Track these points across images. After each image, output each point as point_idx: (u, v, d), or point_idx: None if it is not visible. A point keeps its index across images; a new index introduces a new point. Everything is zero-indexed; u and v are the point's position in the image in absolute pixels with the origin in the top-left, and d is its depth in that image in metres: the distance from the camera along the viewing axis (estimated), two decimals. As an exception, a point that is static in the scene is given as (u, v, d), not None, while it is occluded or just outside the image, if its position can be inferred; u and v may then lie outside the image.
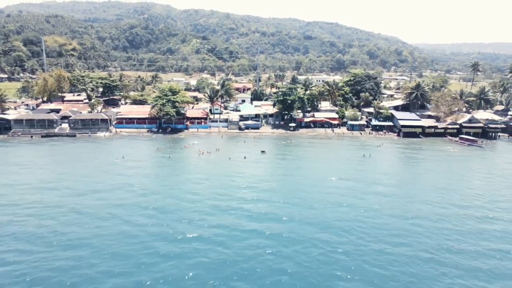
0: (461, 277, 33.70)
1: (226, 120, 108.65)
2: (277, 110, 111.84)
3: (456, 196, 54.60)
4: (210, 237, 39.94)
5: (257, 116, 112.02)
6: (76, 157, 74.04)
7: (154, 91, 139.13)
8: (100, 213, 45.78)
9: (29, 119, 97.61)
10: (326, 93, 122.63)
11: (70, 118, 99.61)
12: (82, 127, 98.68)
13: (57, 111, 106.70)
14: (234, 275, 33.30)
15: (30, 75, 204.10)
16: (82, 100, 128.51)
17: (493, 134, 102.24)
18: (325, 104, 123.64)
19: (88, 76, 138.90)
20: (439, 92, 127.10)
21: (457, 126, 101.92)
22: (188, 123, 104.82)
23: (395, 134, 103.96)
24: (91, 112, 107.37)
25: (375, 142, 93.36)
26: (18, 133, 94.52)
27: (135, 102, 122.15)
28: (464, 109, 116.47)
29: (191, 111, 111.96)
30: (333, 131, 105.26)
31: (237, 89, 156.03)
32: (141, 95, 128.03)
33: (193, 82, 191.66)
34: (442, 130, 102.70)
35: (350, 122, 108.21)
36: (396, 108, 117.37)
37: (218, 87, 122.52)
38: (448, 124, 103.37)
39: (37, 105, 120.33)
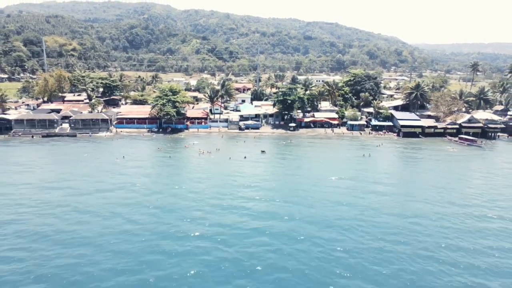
0: (460, 275, 33.98)
1: (226, 120, 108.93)
2: (277, 110, 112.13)
3: (456, 195, 54.90)
4: (211, 235, 40.23)
5: (257, 116, 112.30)
6: (77, 157, 74.32)
7: (154, 91, 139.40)
8: (102, 212, 46.08)
9: (30, 119, 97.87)
10: (326, 93, 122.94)
11: (71, 118, 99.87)
12: (82, 127, 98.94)
13: (58, 111, 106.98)
14: (236, 273, 33.60)
15: (31, 75, 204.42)
16: (82, 100, 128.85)
17: (493, 134, 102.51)
18: (325, 104, 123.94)
19: (88, 76, 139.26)
20: (439, 92, 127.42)
21: (457, 126, 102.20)
22: (188, 123, 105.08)
23: (395, 134, 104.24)
24: (91, 112, 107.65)
25: (374, 142, 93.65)
26: (19, 133, 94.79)
27: (136, 102, 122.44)
28: (463, 109, 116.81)
29: (191, 111, 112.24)
30: (333, 131, 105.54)
31: (237, 89, 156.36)
32: (142, 95, 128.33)
33: (193, 82, 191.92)
34: (442, 130, 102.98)
35: (350, 122, 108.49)
36: (395, 108, 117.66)
37: (218, 87, 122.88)
38: (447, 124, 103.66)
39: (38, 105, 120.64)
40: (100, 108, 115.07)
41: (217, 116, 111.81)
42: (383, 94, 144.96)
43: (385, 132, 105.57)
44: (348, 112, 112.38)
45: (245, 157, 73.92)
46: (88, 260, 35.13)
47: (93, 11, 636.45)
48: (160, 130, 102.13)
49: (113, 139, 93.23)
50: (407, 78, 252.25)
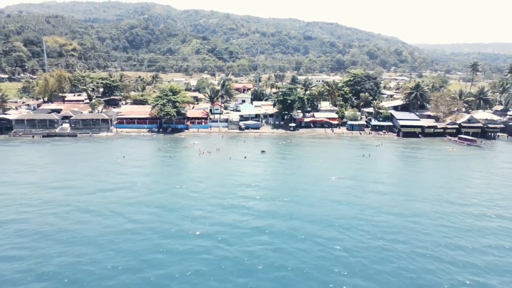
0: (459, 273, 34.20)
1: (226, 120, 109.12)
2: (277, 110, 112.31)
3: (455, 194, 55.11)
4: (212, 234, 40.47)
5: (257, 116, 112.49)
6: (78, 156, 74.54)
7: (154, 91, 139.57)
8: (103, 211, 46.30)
9: (30, 119, 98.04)
10: (326, 93, 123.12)
11: (71, 118, 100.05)
12: (83, 127, 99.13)
13: (58, 111, 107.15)
14: (236, 272, 33.82)
15: (31, 75, 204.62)
16: (83, 100, 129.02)
17: (492, 134, 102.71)
18: (325, 104, 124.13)
19: (88, 76, 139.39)
20: (439, 92, 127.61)
21: (456, 126, 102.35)
22: (188, 123, 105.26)
23: (395, 134, 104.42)
24: (92, 112, 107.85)
25: (374, 142, 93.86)
26: (19, 133, 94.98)
27: (136, 102, 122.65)
28: (463, 109, 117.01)
29: (191, 111, 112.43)
30: (333, 131, 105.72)
31: (237, 89, 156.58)
32: (142, 95, 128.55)
33: (193, 82, 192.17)
34: (442, 130, 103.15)
35: (349, 122, 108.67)
36: (395, 108, 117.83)
37: (218, 87, 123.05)
38: (447, 124, 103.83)
39: (38, 105, 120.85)
40: (100, 108, 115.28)
41: (217, 116, 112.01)
42: (383, 94, 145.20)
43: (385, 132, 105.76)
44: (348, 112, 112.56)
45: (245, 157, 74.11)
46: (90, 259, 35.34)
47: (93, 11, 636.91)
48: (161, 130, 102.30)
49: (114, 139, 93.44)
50: (407, 78, 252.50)
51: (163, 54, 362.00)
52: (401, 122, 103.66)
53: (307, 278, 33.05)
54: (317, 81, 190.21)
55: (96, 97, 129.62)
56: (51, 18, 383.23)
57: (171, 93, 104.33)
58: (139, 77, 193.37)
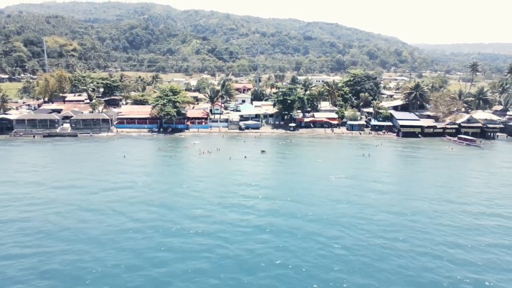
0: (457, 271, 34.48)
1: (226, 120, 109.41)
2: (277, 110, 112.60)
3: (454, 193, 55.40)
4: (213, 232, 40.79)
5: (257, 116, 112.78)
6: (79, 156, 74.82)
7: (154, 91, 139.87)
8: (104, 210, 46.61)
9: (31, 119, 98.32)
10: (326, 93, 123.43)
11: (72, 118, 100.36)
12: (83, 127, 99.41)
13: (59, 111, 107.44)
14: (237, 269, 34.11)
15: (31, 76, 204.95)
16: (83, 100, 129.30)
17: (492, 134, 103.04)
18: (324, 104, 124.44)
19: (89, 77, 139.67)
20: (438, 92, 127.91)
21: (456, 126, 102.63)
22: (188, 123, 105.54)
23: (394, 134, 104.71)
24: (92, 112, 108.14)
25: (374, 142, 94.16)
26: (20, 133, 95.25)
27: (136, 102, 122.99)
28: (463, 109, 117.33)
29: (191, 111, 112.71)
30: (332, 131, 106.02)
31: (237, 89, 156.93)
32: (142, 95, 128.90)
33: (193, 82, 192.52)
34: (441, 130, 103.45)
35: (349, 122, 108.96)
36: (395, 108, 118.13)
37: (219, 88, 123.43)
38: (447, 124, 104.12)
39: (39, 105, 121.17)
40: (100, 108, 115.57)
41: (217, 116, 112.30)
42: (383, 94, 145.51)
43: (384, 132, 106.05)
44: (348, 112, 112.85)
45: (245, 157, 74.38)
46: (92, 257, 35.64)
47: (93, 11, 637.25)
48: (161, 130, 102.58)
49: (114, 139, 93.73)
50: (406, 78, 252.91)
51: (163, 54, 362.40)
52: (401, 122, 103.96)
53: (307, 276, 33.33)
54: (317, 81, 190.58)
55: (97, 97, 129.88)
56: (51, 18, 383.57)
57: (171, 93, 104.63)
58: (139, 77, 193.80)
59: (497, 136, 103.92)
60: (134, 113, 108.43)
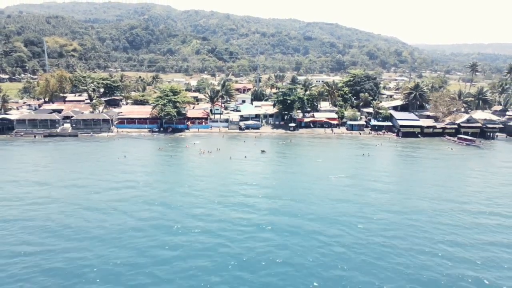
0: (456, 268, 34.77)
1: (226, 120, 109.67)
2: (277, 110, 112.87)
3: (454, 193, 55.68)
4: (214, 231, 41.10)
5: (257, 116, 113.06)
6: (80, 156, 75.09)
7: (155, 92, 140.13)
8: (106, 208, 46.90)
9: (31, 119, 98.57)
10: (326, 93, 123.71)
11: (72, 118, 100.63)
12: (84, 127, 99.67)
13: (59, 111, 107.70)
14: (239, 267, 34.40)
15: (31, 76, 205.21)
16: (83, 101, 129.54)
17: (491, 134, 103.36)
18: (324, 105, 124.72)
19: (89, 77, 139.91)
20: (438, 93, 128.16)
21: (456, 126, 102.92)
22: (189, 123, 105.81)
23: (394, 134, 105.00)
24: (92, 112, 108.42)
25: (374, 142, 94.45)
26: (20, 133, 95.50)
27: (136, 102, 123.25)
28: (462, 109, 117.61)
29: (192, 111, 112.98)
30: (332, 131, 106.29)
31: (238, 89, 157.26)
32: (142, 96, 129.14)
33: (193, 82, 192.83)
34: (441, 130, 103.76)
35: (349, 122, 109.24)
36: (395, 108, 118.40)
37: (219, 88, 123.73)
38: (446, 124, 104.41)
39: (39, 105, 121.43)
40: (101, 108, 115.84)
41: (217, 116, 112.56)
42: (383, 94, 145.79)
43: (384, 132, 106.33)
44: (348, 112, 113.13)
45: (245, 157, 74.65)
46: (94, 255, 35.92)
47: (93, 11, 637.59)
48: (161, 130, 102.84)
49: (114, 139, 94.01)
50: (406, 79, 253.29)
51: (163, 55, 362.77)
52: (401, 122, 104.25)
53: (308, 274, 33.62)
54: (317, 81, 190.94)
55: (97, 97, 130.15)
56: (51, 18, 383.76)
57: (172, 93, 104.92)
58: (140, 77, 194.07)
59: (497, 136, 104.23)
60: (134, 113, 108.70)
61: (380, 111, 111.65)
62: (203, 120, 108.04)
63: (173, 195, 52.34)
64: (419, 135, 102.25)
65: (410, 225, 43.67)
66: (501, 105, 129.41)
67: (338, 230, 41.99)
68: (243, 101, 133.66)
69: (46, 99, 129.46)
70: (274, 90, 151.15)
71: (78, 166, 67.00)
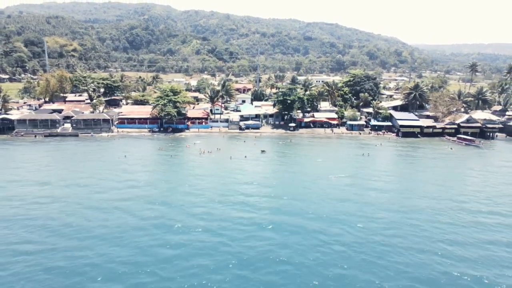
0: (456, 267, 34.95)
1: (226, 120, 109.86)
2: (277, 110, 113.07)
3: (453, 192, 55.89)
4: (215, 230, 41.32)
5: (257, 116, 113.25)
6: (80, 156, 75.30)
7: (155, 92, 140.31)
8: (108, 207, 47.12)
9: (32, 119, 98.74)
10: (326, 93, 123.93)
11: (73, 118, 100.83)
12: (84, 127, 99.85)
13: (60, 111, 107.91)
14: (239, 266, 34.59)
15: (31, 76, 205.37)
16: (84, 101, 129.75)
17: (491, 134, 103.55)
18: (324, 105, 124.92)
19: (89, 77, 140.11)
20: (438, 93, 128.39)
21: (455, 126, 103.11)
22: (189, 123, 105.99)
23: (394, 134, 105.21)
24: (93, 112, 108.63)
25: (374, 142, 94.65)
26: (21, 133, 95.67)
27: (137, 102, 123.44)
28: (462, 109, 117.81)
29: (192, 111, 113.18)
30: (332, 131, 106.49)
31: (238, 89, 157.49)
32: (142, 96, 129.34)
33: (193, 82, 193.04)
34: (440, 130, 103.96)
35: (349, 122, 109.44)
36: (395, 108, 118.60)
37: (219, 88, 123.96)
38: (446, 124, 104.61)
39: (40, 105, 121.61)
40: (101, 108, 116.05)
41: (217, 116, 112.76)
42: (383, 94, 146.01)
43: (384, 132, 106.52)
44: (348, 112, 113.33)
45: (245, 157, 74.84)
46: (96, 254, 36.12)
47: (93, 11, 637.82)
48: (161, 130, 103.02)
49: (115, 139, 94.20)
50: (406, 79, 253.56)
51: (163, 55, 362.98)
52: (400, 122, 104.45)
53: (308, 272, 33.81)
54: (317, 81, 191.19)
55: (97, 97, 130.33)
56: (51, 18, 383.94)
57: (172, 94, 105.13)
58: (140, 77, 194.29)
59: (496, 136, 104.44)
60: (134, 113, 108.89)
61: (380, 111, 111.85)
62: (203, 120, 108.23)
63: (174, 195, 52.54)
64: (419, 135, 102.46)
65: (410, 224, 43.89)
66: (500, 105, 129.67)
67: (338, 229, 42.19)
68: (243, 101, 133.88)
69: (47, 99, 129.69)
70: (274, 90, 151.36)
71: (79, 165, 67.20)
